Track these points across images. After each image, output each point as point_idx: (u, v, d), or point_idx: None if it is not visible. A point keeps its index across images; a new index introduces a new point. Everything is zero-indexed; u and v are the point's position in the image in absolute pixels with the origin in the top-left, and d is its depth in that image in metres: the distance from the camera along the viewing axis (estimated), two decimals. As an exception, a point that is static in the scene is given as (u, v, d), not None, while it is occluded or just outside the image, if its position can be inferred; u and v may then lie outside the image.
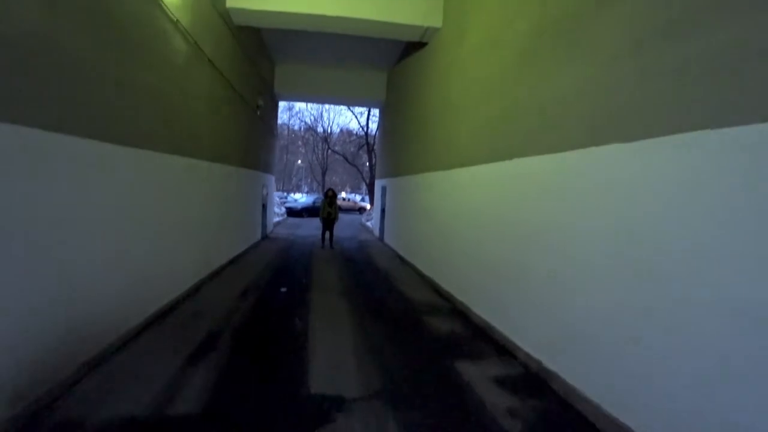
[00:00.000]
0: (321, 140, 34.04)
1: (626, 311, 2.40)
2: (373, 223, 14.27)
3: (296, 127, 36.71)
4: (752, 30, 1.79)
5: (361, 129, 25.83)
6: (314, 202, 21.28)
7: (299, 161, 44.16)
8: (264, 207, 10.62)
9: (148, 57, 3.67)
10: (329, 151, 33.14)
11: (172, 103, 4.24)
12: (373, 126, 23.59)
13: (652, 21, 2.34)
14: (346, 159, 29.26)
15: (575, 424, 2.59)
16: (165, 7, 3.89)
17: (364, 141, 25.11)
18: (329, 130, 33.76)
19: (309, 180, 46.29)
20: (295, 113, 34.95)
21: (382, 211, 11.62)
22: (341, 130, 35.93)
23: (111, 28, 3.05)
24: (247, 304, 4.80)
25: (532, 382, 3.14)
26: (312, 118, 33.86)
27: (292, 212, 20.37)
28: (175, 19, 4.11)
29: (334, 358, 3.41)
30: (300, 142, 40.31)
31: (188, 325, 3.95)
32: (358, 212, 26.52)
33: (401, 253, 8.74)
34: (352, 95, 12.65)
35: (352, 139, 32.25)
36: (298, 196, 33.71)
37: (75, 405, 2.46)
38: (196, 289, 5.20)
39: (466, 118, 5.25)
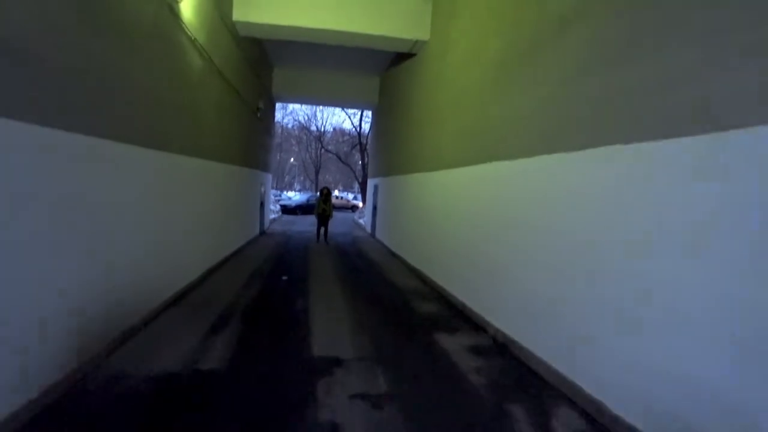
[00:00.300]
0: (314, 139, 34.54)
1: (568, 292, 3.05)
2: (365, 220, 14.86)
3: (290, 126, 37.17)
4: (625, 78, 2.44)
5: (354, 129, 26.43)
6: (308, 200, 21.82)
7: (292, 159, 44.56)
8: (262, 204, 11.16)
9: (177, 75, 4.25)
10: (322, 150, 33.64)
11: (189, 111, 4.79)
12: (366, 126, 24.20)
13: (576, 61, 2.99)
14: (339, 158, 29.76)
15: (528, 377, 3.24)
16: (185, 27, 4.45)
17: (357, 141, 25.69)
18: (323, 130, 34.30)
19: (302, 178, 46.73)
20: (288, 112, 35.38)
21: (374, 208, 12.21)
22: (334, 130, 36.48)
23: (147, 51, 3.62)
24: (253, 290, 5.37)
25: (498, 349, 3.79)
26: (306, 117, 34.40)
27: (286, 210, 20.91)
28: (193, 38, 4.67)
29: (332, 331, 4.02)
30: (293, 141, 40.72)
31: (202, 306, 4.52)
32: (350, 210, 27.07)
33: (391, 247, 9.37)
34: (347, 98, 13.26)
35: (345, 138, 32.76)
36: (292, 194, 34.14)
37: (124, 360, 3.04)
38: (204, 278, 5.75)
39: (449, 125, 5.87)
